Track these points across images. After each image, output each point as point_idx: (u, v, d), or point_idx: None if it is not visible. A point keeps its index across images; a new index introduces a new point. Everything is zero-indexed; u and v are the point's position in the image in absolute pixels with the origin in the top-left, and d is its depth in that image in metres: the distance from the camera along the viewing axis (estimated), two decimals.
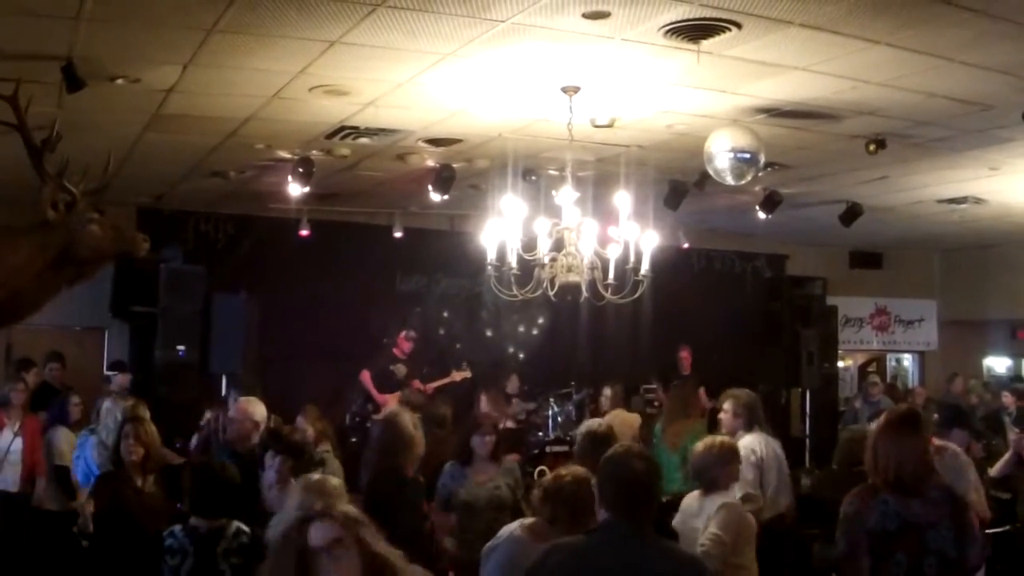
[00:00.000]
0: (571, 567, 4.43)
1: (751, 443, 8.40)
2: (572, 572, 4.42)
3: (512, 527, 5.65)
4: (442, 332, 15.04)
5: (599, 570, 4.36)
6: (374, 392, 13.73)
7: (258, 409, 8.48)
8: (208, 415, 10.58)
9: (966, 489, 6.28)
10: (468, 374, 14.26)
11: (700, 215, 14.37)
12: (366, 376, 13.82)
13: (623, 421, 10.19)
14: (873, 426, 11.40)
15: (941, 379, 18.77)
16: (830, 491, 9.82)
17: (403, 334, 14.16)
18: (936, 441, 6.55)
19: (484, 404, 11.26)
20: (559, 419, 13.89)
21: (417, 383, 13.91)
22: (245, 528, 5.81)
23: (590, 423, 7.84)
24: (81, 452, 9.42)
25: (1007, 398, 15.19)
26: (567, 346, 15.33)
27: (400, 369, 13.96)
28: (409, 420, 7.39)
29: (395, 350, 14.12)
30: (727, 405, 8.72)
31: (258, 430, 8.29)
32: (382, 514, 4.04)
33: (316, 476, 4.37)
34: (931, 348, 20.59)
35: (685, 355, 15.69)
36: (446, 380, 14.08)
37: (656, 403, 14.40)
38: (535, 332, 15.09)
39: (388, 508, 5.95)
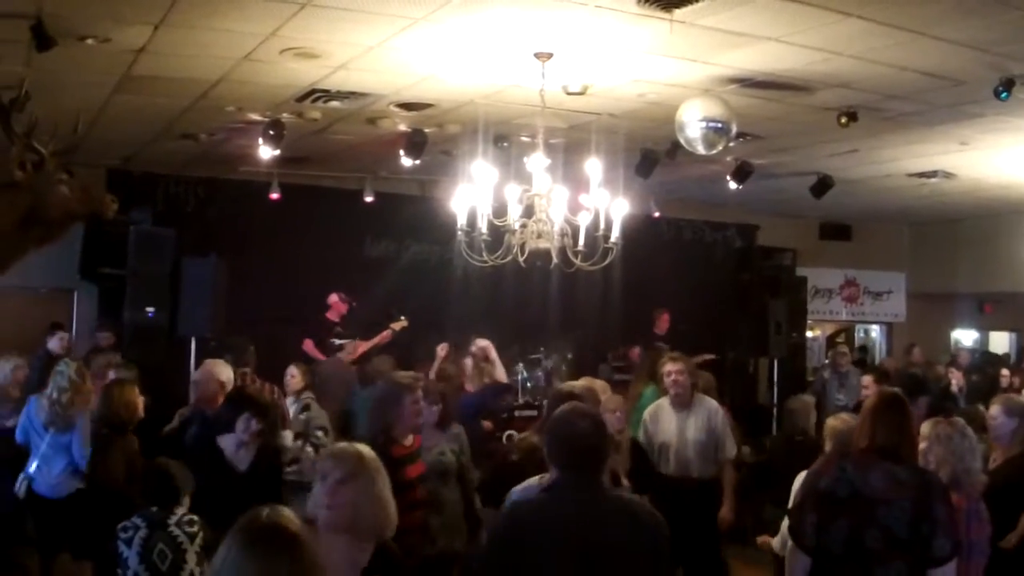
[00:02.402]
0: (531, 523, 4.56)
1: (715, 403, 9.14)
2: (532, 528, 4.53)
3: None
4: (410, 297, 14.93)
5: (558, 525, 4.48)
6: (317, 355, 13.68)
7: (224, 370, 8.51)
8: None
9: (968, 467, 6.25)
10: (405, 323, 14.17)
11: (671, 184, 14.39)
12: (309, 345, 13.75)
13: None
14: (842, 397, 11.47)
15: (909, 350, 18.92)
16: (771, 457, 10.08)
17: (335, 296, 14.08)
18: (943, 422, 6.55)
19: (440, 360, 11.24)
20: (528, 384, 13.89)
21: (359, 342, 13.87)
22: (194, 517, 5.96)
23: (567, 383, 7.96)
24: (27, 410, 9.32)
25: (953, 372, 15.21)
26: (537, 312, 15.33)
27: (339, 332, 13.93)
28: None
29: (328, 313, 14.06)
30: (680, 367, 8.97)
31: (224, 391, 8.32)
32: None
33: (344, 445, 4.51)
34: (899, 320, 20.74)
35: (664, 317, 15.85)
36: (385, 333, 14.01)
37: (623, 369, 14.44)
38: (505, 298, 15.05)
39: None
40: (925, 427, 6.18)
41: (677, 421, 8.96)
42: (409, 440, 6.92)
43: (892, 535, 5.15)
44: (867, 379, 11.24)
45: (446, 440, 7.53)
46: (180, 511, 6.06)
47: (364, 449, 4.42)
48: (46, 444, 8.73)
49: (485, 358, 11.06)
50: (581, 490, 4.57)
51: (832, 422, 7.25)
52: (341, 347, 13.62)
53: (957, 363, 16.35)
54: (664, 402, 9.16)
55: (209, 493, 6.49)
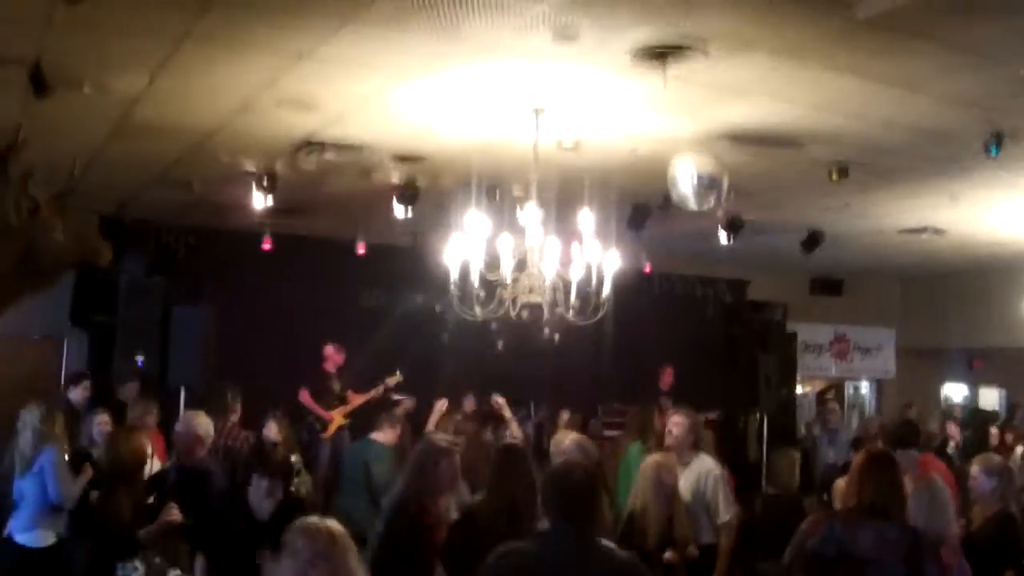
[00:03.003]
0: (521, 569, 4.74)
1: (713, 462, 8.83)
2: (520, 573, 4.72)
3: None
4: (395, 347, 14.93)
5: (544, 571, 4.68)
6: (319, 411, 13.72)
7: (202, 422, 8.53)
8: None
9: (947, 523, 6.26)
10: (400, 379, 14.22)
11: (662, 239, 14.41)
12: (305, 396, 13.78)
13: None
14: (832, 453, 11.42)
15: (898, 406, 18.91)
16: (761, 515, 10.00)
17: (331, 348, 14.12)
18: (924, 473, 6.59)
19: (437, 415, 11.30)
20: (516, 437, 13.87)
21: (352, 394, 13.90)
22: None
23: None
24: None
25: (951, 428, 15.20)
26: (527, 367, 15.32)
27: (334, 384, 13.96)
28: None
29: (325, 364, 14.08)
30: (683, 419, 8.89)
31: (202, 444, 8.37)
32: None
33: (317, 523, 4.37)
34: (889, 376, 20.75)
35: (668, 372, 15.91)
36: (380, 387, 14.04)
37: (614, 425, 14.42)
38: (495, 352, 15.05)
39: None
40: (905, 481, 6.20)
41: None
42: (437, 505, 6.96)
43: None
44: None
45: (451, 497, 7.52)
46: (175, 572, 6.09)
47: (334, 526, 4.34)
48: (19, 493, 8.77)
49: (500, 415, 11.17)
50: (571, 539, 4.73)
51: (840, 484, 7.25)
52: (341, 398, 13.67)
53: (954, 417, 16.33)
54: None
55: (230, 539, 6.55)
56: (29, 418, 8.94)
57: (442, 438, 7.75)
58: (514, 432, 10.90)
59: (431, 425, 10.96)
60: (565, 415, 12.96)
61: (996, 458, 8.09)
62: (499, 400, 11.59)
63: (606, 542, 4.93)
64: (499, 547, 4.92)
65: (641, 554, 7.22)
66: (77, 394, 11.65)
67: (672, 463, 8.33)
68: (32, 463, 8.77)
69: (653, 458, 8.30)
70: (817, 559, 5.39)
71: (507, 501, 6.46)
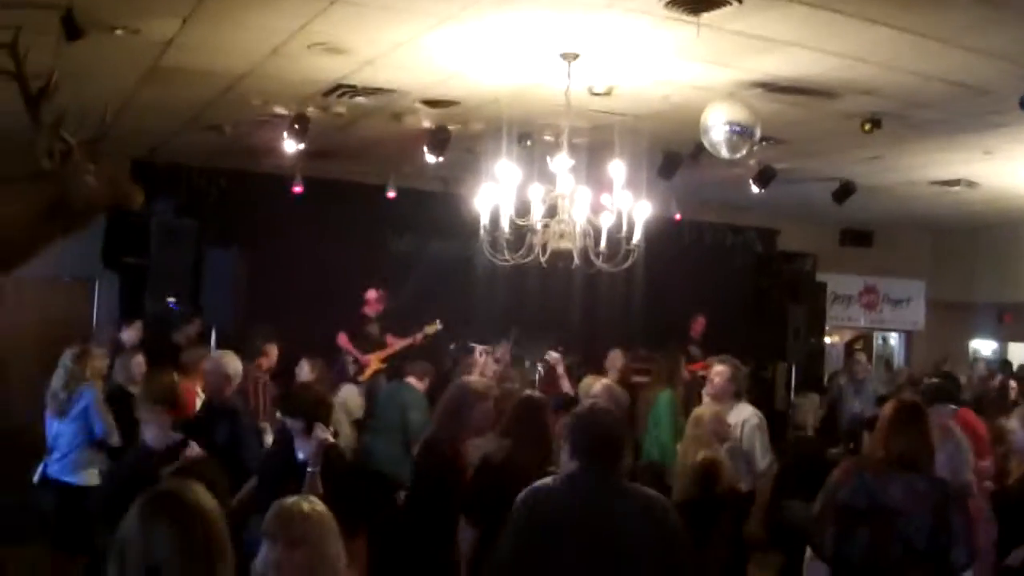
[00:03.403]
0: (548, 509, 4.86)
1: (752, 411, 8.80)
2: (551, 515, 4.83)
3: None
4: (430, 294, 14.96)
5: (576, 512, 4.77)
6: (356, 354, 13.76)
7: (231, 362, 8.61)
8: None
9: (968, 467, 6.29)
10: (439, 327, 14.25)
11: (693, 186, 14.37)
12: (343, 339, 13.84)
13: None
14: (857, 404, 11.38)
15: (927, 359, 18.86)
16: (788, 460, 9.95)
17: (374, 292, 14.15)
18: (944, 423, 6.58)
19: (479, 366, 11.33)
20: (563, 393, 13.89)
21: (391, 339, 13.95)
22: None
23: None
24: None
25: (1013, 387, 14.98)
26: (557, 312, 15.35)
27: (373, 328, 14.00)
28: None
29: (366, 309, 14.13)
30: (725, 369, 8.87)
31: (230, 384, 8.46)
32: None
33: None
34: (918, 328, 20.67)
35: (700, 321, 15.92)
36: (419, 335, 14.07)
37: (642, 371, 14.43)
38: (526, 297, 15.07)
39: None
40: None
41: None
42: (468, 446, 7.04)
43: (911, 546, 5.18)
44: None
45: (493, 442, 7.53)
46: None
47: (313, 507, 4.15)
48: (56, 435, 8.88)
49: (554, 371, 11.21)
50: (598, 481, 4.85)
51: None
52: (379, 343, 13.73)
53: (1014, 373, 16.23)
54: (707, 403, 9.09)
55: (272, 480, 6.64)
56: (63, 358, 9.07)
57: (478, 381, 7.78)
58: (565, 385, 10.95)
59: (478, 371, 10.94)
60: (618, 353, 12.93)
61: None
62: (554, 355, 11.61)
63: (634, 484, 5.02)
64: (527, 489, 5.00)
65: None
66: (130, 335, 11.71)
67: (723, 413, 8.35)
68: (68, 405, 8.87)
69: (705, 409, 8.25)
70: (848, 510, 5.42)
71: (526, 451, 6.49)
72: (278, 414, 8.58)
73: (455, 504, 6.62)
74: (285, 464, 6.92)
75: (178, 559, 3.40)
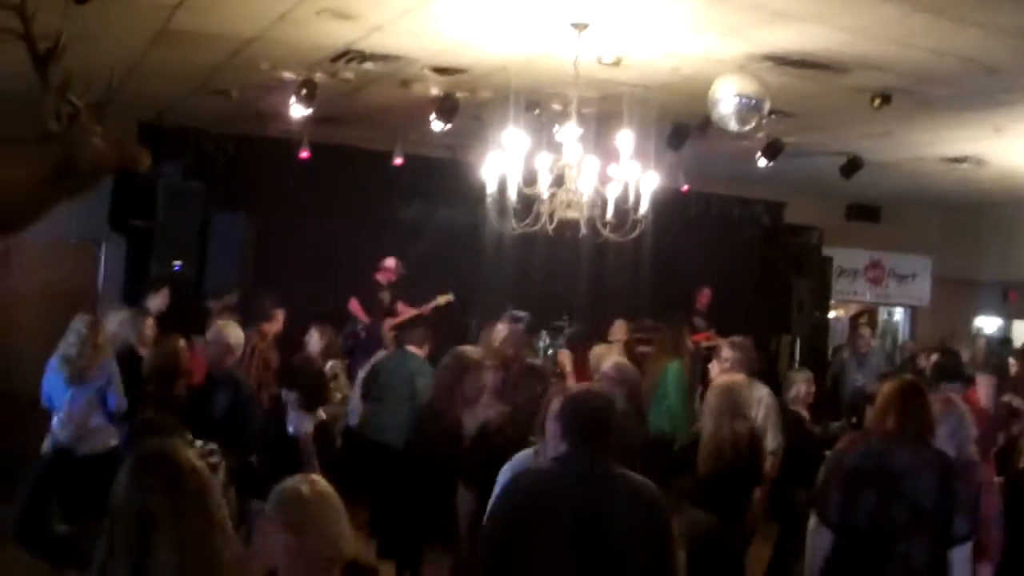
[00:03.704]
0: (537, 491, 4.87)
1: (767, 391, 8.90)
2: (539, 496, 4.83)
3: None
4: (437, 261, 14.98)
5: (564, 495, 4.76)
6: (365, 319, 13.79)
7: (233, 332, 8.61)
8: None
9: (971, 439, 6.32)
10: (451, 297, 14.28)
11: (701, 159, 14.33)
12: (354, 304, 13.86)
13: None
14: (860, 378, 11.35)
15: (932, 335, 18.86)
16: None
17: (391, 261, 14.17)
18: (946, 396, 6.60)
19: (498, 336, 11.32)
20: (550, 352, 13.93)
21: (402, 307, 13.97)
22: (212, 446, 5.96)
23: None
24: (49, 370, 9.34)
25: (1013, 364, 15.00)
26: (563, 281, 15.38)
27: (385, 295, 14.02)
28: None
29: (379, 275, 14.14)
30: (738, 355, 8.86)
31: (232, 353, 8.46)
32: None
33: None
34: (923, 304, 20.67)
35: (705, 293, 15.95)
36: (430, 305, 14.09)
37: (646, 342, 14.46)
38: (532, 266, 15.09)
39: None
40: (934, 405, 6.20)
41: None
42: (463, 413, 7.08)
43: (918, 509, 5.25)
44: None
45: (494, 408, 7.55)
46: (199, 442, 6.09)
47: (317, 488, 4.02)
48: (69, 400, 8.85)
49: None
50: (587, 464, 4.86)
51: None
52: (390, 310, 13.75)
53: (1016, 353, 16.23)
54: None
55: (269, 453, 6.68)
56: (76, 324, 8.97)
57: (472, 350, 7.81)
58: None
59: (497, 341, 10.94)
60: (621, 324, 12.96)
61: None
62: (442, 298, 11.65)
63: (622, 468, 4.97)
64: (517, 470, 5.03)
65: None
66: (156, 302, 11.69)
67: (745, 385, 8.33)
68: (86, 373, 8.82)
69: (727, 381, 8.17)
70: (855, 473, 5.50)
71: (522, 418, 6.53)
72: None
73: (453, 469, 6.68)
74: (279, 439, 6.96)
75: (171, 509, 3.44)
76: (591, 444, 4.88)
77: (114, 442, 8.70)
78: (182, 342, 8.36)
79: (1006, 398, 8.02)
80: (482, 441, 6.74)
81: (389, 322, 13.73)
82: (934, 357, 12.59)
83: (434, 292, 14.29)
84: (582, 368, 11.01)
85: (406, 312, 13.88)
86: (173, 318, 11.01)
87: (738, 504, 7.41)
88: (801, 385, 9.68)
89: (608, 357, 8.99)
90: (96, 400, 8.87)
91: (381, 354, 11.89)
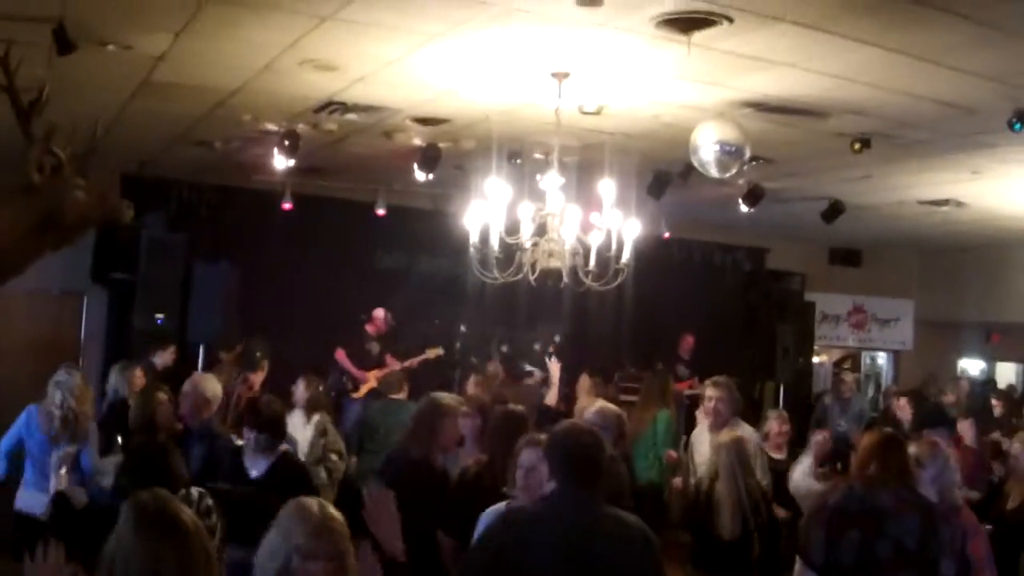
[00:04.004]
0: (527, 533, 4.70)
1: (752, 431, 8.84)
2: (528, 538, 4.68)
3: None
4: (420, 311, 14.98)
5: (553, 535, 4.63)
6: (352, 369, 13.76)
7: (210, 385, 8.54)
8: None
9: (955, 483, 6.35)
10: (441, 352, 14.27)
11: (683, 206, 14.38)
12: (341, 354, 13.84)
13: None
14: (843, 423, 11.34)
15: (915, 379, 18.89)
16: None
17: (381, 312, 14.16)
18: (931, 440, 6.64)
19: (472, 386, 11.29)
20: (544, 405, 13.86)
21: (390, 359, 13.94)
22: (201, 490, 5.84)
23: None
24: (24, 421, 9.07)
25: (996, 404, 15.04)
26: (546, 331, 15.38)
27: (373, 347, 14.00)
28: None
29: (369, 327, 14.13)
30: (722, 394, 8.83)
31: (208, 406, 8.38)
32: None
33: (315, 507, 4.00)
34: (906, 347, 20.70)
35: (688, 340, 15.95)
36: (420, 358, 14.08)
37: (631, 391, 14.43)
38: (515, 316, 15.10)
39: None
40: (911, 450, 6.23)
41: (710, 444, 8.67)
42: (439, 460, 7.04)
43: (902, 547, 5.25)
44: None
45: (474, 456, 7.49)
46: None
47: (339, 517, 3.86)
48: (50, 456, 8.59)
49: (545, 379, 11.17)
50: (577, 503, 4.73)
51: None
52: (378, 362, 13.72)
53: (999, 392, 16.26)
54: (703, 426, 9.07)
55: (223, 495, 6.58)
56: (64, 380, 8.58)
57: (449, 396, 7.79)
58: (552, 396, 10.91)
59: (470, 390, 10.89)
60: (585, 379, 12.92)
61: None
62: (555, 366, 11.58)
63: (612, 508, 4.89)
64: (503, 512, 4.95)
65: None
66: (164, 358, 11.63)
67: (748, 439, 8.30)
68: (81, 434, 8.54)
69: (733, 436, 8.08)
70: (838, 512, 5.48)
71: (500, 465, 6.48)
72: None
73: (433, 516, 6.62)
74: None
75: (177, 571, 3.43)
76: (580, 483, 4.75)
77: (84, 500, 8.51)
78: (161, 394, 8.30)
79: (994, 436, 8.02)
80: (461, 489, 6.70)
81: (376, 373, 13.71)
82: (902, 401, 12.52)
83: (417, 342, 14.27)
84: None
85: (394, 365, 13.84)
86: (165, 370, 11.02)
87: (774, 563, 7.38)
88: (772, 423, 9.68)
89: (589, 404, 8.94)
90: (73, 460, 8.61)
91: (365, 405, 11.89)
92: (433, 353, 14.13)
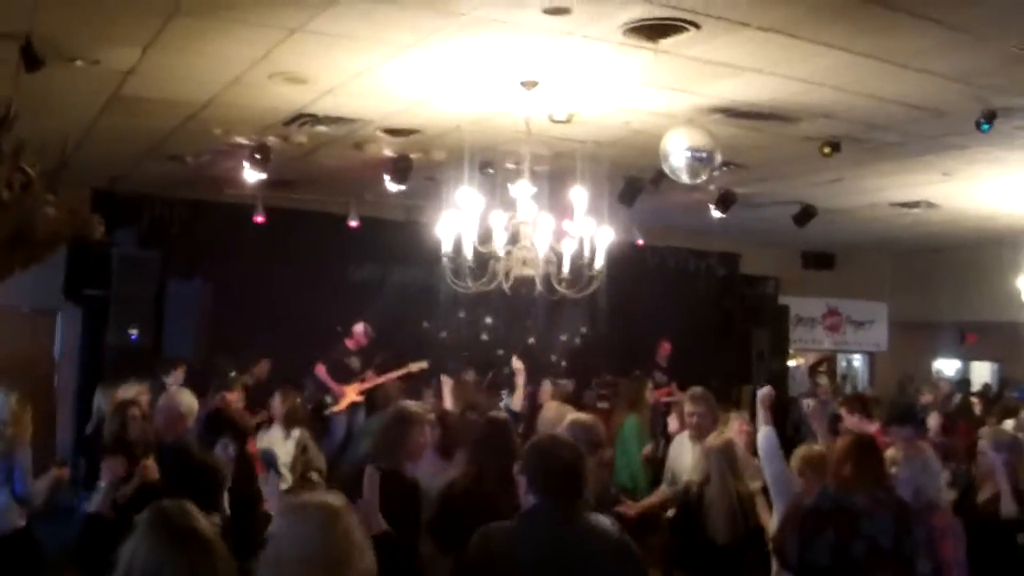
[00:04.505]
0: (507, 549, 4.57)
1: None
2: (508, 554, 4.55)
3: None
4: (396, 323, 14.94)
5: (534, 551, 4.51)
6: (332, 384, 13.72)
7: (186, 400, 8.49)
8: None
9: (938, 490, 6.35)
10: (424, 365, 14.23)
11: (655, 212, 14.42)
12: (321, 370, 13.80)
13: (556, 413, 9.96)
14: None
15: (891, 380, 18.97)
16: None
17: (361, 327, 14.13)
18: (904, 442, 6.66)
19: (447, 392, 11.24)
20: (510, 408, 13.85)
21: (371, 374, 13.90)
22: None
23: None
24: None
25: (976, 402, 15.05)
26: (520, 339, 15.39)
27: (354, 361, 13.96)
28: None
29: (349, 342, 14.10)
30: (703, 409, 8.80)
31: (185, 422, 8.32)
32: None
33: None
34: (881, 349, 20.81)
35: (665, 347, 15.98)
36: (403, 371, 14.03)
37: (607, 397, 14.43)
38: (489, 324, 15.12)
39: None
40: (891, 452, 6.25)
41: (693, 454, 8.53)
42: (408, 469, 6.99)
43: (877, 545, 5.27)
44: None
45: (453, 467, 7.46)
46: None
47: (331, 504, 3.75)
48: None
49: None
50: (558, 516, 4.61)
51: (802, 452, 7.21)
52: (358, 375, 13.69)
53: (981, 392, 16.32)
54: (685, 436, 9.04)
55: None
56: (2, 401, 8.05)
57: (415, 405, 7.75)
58: (517, 399, 10.86)
59: (446, 400, 10.85)
60: (548, 386, 12.88)
61: (1005, 432, 8.12)
62: (518, 364, 11.54)
63: (597, 517, 4.77)
64: (481, 528, 4.83)
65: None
66: (174, 379, 11.53)
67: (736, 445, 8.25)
68: (10, 453, 8.30)
69: (722, 439, 8.01)
70: (813, 513, 5.48)
71: (492, 475, 6.43)
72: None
73: (404, 525, 6.57)
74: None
75: None
76: (562, 496, 4.64)
77: (21, 523, 8.31)
78: (134, 409, 8.25)
79: (982, 437, 8.00)
80: (451, 502, 6.59)
81: (356, 387, 13.69)
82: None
83: (393, 353, 14.23)
84: None
85: (373, 380, 13.81)
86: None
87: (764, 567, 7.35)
88: (734, 423, 9.64)
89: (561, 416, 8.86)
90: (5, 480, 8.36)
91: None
92: (416, 366, 14.09)
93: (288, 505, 3.68)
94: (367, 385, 13.73)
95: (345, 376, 13.79)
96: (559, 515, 4.62)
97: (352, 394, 13.67)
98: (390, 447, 6.98)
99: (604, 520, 4.83)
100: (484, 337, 15.50)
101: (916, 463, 6.19)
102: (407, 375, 13.95)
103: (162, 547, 3.50)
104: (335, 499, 3.69)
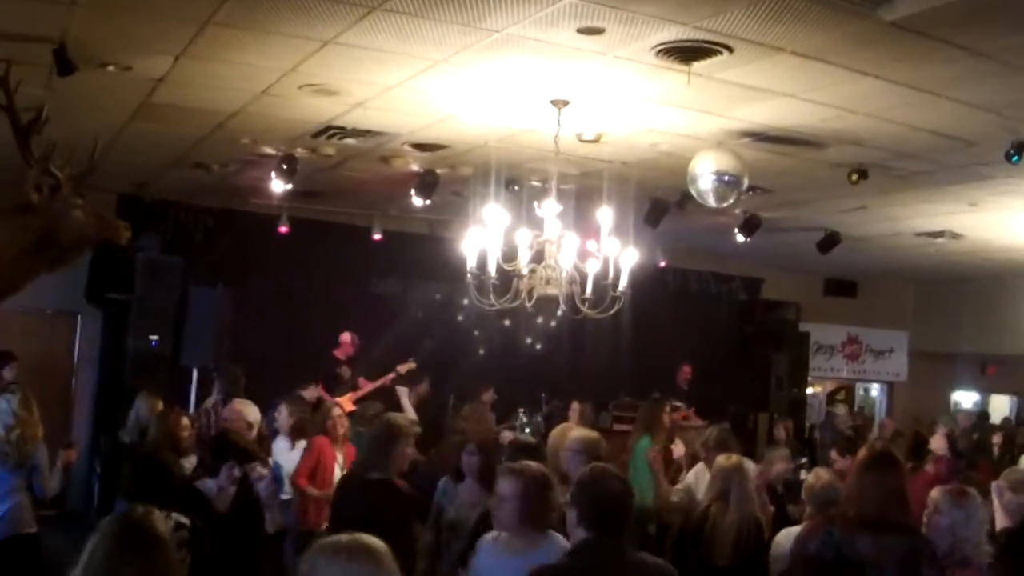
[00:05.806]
0: None
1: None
2: None
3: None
4: (410, 335, 14.91)
5: None
6: (326, 396, 13.68)
7: (251, 410, 8.56)
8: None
9: (977, 544, 6.01)
10: (412, 365, 14.16)
11: (678, 234, 14.39)
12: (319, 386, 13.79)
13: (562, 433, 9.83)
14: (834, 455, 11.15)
15: (909, 410, 18.86)
16: None
17: (347, 336, 14.10)
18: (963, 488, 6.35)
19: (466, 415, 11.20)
20: (527, 430, 13.82)
21: (363, 381, 13.89)
22: (184, 520, 5.72)
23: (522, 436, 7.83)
24: None
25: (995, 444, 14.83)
26: (541, 358, 15.37)
27: (344, 371, 13.93)
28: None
29: (337, 352, 14.08)
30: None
31: (251, 431, 8.39)
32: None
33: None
34: (900, 379, 20.69)
35: (686, 370, 15.95)
36: (391, 375, 13.97)
37: (625, 419, 14.38)
38: (510, 342, 15.08)
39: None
40: (935, 493, 6.00)
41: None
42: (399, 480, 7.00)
43: None
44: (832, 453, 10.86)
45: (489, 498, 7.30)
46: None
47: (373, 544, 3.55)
48: None
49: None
50: (608, 553, 4.58)
51: (809, 480, 7.11)
52: (349, 385, 13.66)
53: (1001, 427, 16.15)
54: (703, 467, 8.94)
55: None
56: (7, 405, 7.85)
57: (402, 417, 7.77)
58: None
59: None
60: (576, 407, 12.86)
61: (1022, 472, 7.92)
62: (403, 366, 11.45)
63: (642, 553, 4.75)
64: (534, 570, 4.76)
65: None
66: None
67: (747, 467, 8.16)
68: (27, 458, 8.06)
69: (733, 459, 7.92)
70: (816, 562, 5.32)
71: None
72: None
73: (406, 539, 6.54)
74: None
75: None
76: (610, 531, 4.59)
77: (33, 529, 8.17)
78: (185, 419, 8.35)
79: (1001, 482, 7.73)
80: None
81: (350, 397, 13.65)
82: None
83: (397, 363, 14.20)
84: None
85: (367, 386, 13.79)
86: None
87: None
88: (779, 465, 9.52)
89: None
90: (17, 486, 7.91)
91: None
92: (405, 367, 14.04)
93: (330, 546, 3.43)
94: (360, 393, 13.70)
95: (337, 387, 13.75)
96: (608, 550, 4.58)
97: (347, 404, 13.64)
98: (380, 458, 7.01)
99: (649, 556, 4.79)
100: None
101: (960, 513, 5.84)
102: (396, 376, 13.91)
103: (121, 551, 3.55)
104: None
